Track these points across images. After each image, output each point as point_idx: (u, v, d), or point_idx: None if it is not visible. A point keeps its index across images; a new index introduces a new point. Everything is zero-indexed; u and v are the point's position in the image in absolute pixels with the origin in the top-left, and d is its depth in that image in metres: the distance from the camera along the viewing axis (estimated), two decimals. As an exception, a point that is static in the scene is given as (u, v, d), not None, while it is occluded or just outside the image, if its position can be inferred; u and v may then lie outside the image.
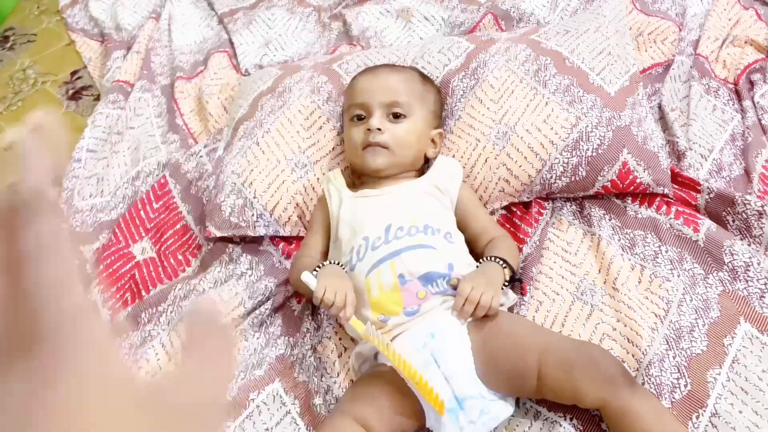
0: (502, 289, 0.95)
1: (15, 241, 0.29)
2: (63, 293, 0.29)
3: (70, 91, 1.64)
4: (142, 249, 1.22)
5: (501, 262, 0.97)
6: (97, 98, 1.60)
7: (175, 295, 1.10)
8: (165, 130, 1.47)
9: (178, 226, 1.25)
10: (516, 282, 1.01)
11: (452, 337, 0.89)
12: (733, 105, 1.25)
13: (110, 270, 1.18)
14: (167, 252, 1.22)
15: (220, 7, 1.78)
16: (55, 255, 0.30)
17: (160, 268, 1.19)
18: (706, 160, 1.15)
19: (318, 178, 1.17)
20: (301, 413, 0.95)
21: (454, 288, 0.94)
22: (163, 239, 1.23)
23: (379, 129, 1.05)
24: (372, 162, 1.06)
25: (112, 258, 1.20)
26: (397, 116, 1.07)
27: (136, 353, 1.04)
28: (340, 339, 1.03)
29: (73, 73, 1.70)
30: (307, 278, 0.93)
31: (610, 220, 1.08)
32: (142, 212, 1.27)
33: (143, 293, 1.15)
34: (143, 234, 1.25)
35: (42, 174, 0.30)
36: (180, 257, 1.21)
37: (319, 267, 0.98)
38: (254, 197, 1.16)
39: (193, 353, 0.33)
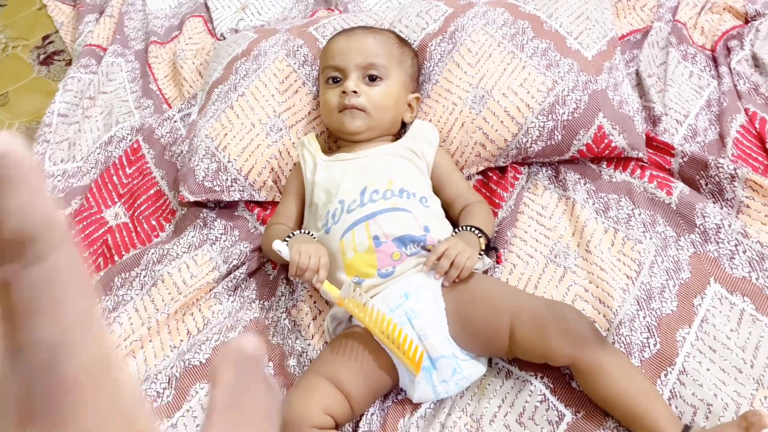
0: (479, 256, 0.95)
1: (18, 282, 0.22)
2: (76, 346, 0.23)
3: (42, 56, 1.61)
4: (115, 214, 1.21)
5: (476, 231, 0.97)
6: (69, 63, 1.57)
7: (148, 259, 1.09)
8: (139, 95, 1.44)
9: (151, 191, 1.23)
10: (491, 250, 1.01)
11: (426, 297, 0.89)
12: (709, 71, 1.25)
13: (82, 235, 1.16)
14: (141, 217, 1.20)
15: (196, -30, 1.74)
16: (72, 296, 0.23)
17: (134, 233, 1.18)
18: (681, 125, 1.15)
19: (293, 143, 1.15)
20: (274, 374, 0.95)
21: (429, 251, 0.94)
22: (136, 204, 1.22)
23: (355, 92, 1.04)
24: (349, 125, 1.05)
25: (85, 223, 1.18)
26: (373, 79, 1.06)
27: (108, 317, 1.03)
28: (314, 302, 1.02)
29: (45, 37, 1.66)
30: (279, 246, 0.93)
31: (585, 184, 1.09)
32: (114, 177, 1.26)
33: (116, 258, 1.14)
34: (116, 199, 1.23)
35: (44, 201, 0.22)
36: (154, 222, 1.20)
37: (289, 236, 0.98)
38: (228, 161, 1.14)
39: (235, 409, 0.27)
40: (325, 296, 0.94)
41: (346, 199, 0.99)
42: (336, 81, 1.08)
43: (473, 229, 0.96)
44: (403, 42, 1.14)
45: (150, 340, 1.00)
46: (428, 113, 1.13)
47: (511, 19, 1.18)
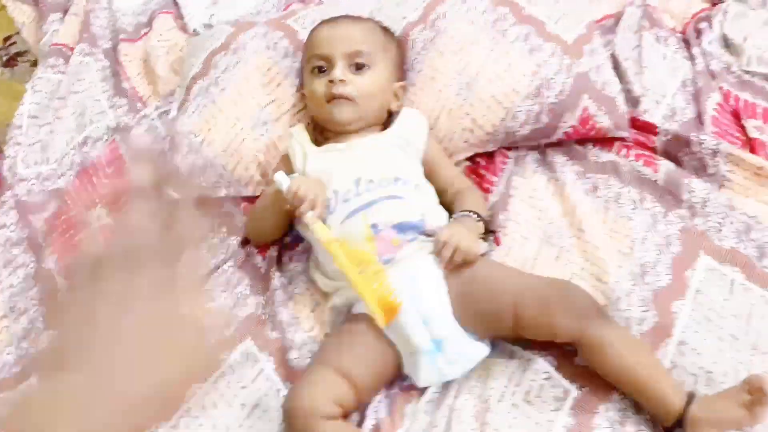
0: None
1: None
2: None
3: (5, 58, 1.55)
4: (97, 216, 1.17)
5: (475, 216, 0.97)
6: (34, 64, 1.51)
7: (136, 259, 1.06)
8: (111, 94, 1.40)
9: (133, 192, 1.20)
10: (489, 233, 1.01)
11: (429, 280, 0.89)
12: (682, 53, 1.28)
13: (64, 238, 1.12)
14: (123, 218, 1.17)
15: (162, -34, 1.70)
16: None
17: (117, 235, 1.14)
18: (660, 105, 1.18)
19: (280, 136, 1.14)
20: (276, 369, 0.93)
21: (428, 236, 0.94)
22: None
23: (343, 80, 1.03)
24: (338, 115, 1.04)
25: (65, 226, 1.14)
26: (359, 67, 1.05)
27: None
28: (312, 294, 1.01)
29: (6, 39, 1.60)
30: (281, 177, 0.93)
31: (572, 165, 1.10)
32: (93, 178, 1.22)
33: (101, 261, 1.10)
34: (96, 201, 1.19)
35: None
36: (137, 223, 1.16)
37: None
38: (213, 157, 1.12)
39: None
40: (315, 234, 0.91)
41: (340, 189, 0.98)
42: (322, 70, 1.07)
43: (471, 213, 0.97)
44: (386, 30, 1.14)
45: (142, 342, 0.97)
46: (415, 101, 1.13)
47: (491, 6, 1.19)
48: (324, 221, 0.94)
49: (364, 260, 0.88)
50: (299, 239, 1.09)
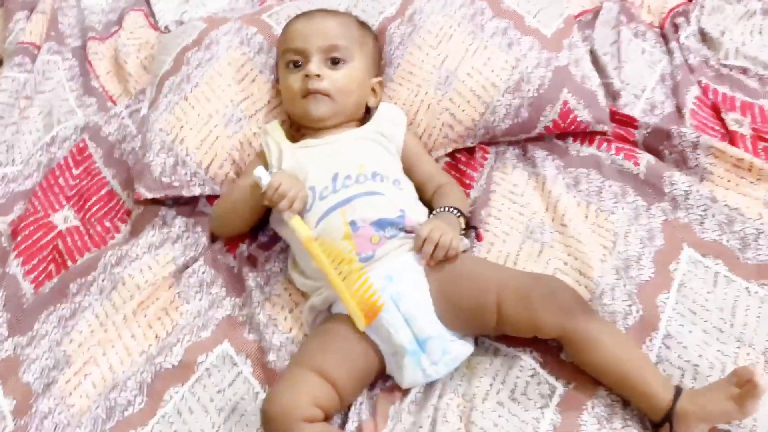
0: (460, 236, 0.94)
1: None
2: None
3: (-33, 57, 1.49)
4: (64, 218, 1.13)
5: (455, 212, 0.95)
6: (0, 63, 1.46)
7: (106, 262, 1.02)
8: (80, 93, 1.36)
9: (102, 192, 1.16)
10: (471, 229, 0.99)
11: (410, 279, 0.86)
12: (660, 47, 1.29)
13: (29, 241, 1.08)
14: (93, 219, 1.13)
15: (132, -36, 1.66)
16: None
17: (86, 237, 1.10)
18: (639, 99, 1.18)
19: (255, 133, 1.11)
20: (253, 372, 0.90)
21: (408, 233, 0.92)
22: (87, 206, 1.14)
23: (318, 75, 1.01)
24: (314, 110, 1.02)
25: (31, 229, 1.09)
26: (335, 62, 1.03)
27: (66, 326, 0.95)
28: (290, 294, 0.98)
29: (-31, 38, 1.55)
30: (260, 172, 0.91)
31: (553, 160, 1.09)
32: (60, 179, 1.17)
33: (69, 263, 1.06)
34: (64, 202, 1.15)
35: None
36: (108, 224, 1.12)
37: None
38: (186, 154, 1.09)
39: None
40: (295, 232, 0.89)
41: (317, 186, 0.95)
42: (297, 65, 1.04)
43: (451, 209, 0.95)
44: (363, 25, 1.12)
45: (113, 346, 0.93)
46: (393, 97, 1.11)
47: (468, 0, 1.17)
48: (302, 218, 0.91)
49: (344, 259, 0.86)
50: (275, 239, 1.06)
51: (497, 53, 1.10)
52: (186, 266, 1.02)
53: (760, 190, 0.99)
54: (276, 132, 1.06)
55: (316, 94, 1.01)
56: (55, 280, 1.03)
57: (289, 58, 1.05)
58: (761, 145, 1.06)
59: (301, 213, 0.92)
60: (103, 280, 1.00)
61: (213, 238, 1.07)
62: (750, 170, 1.00)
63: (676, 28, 1.31)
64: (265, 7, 1.31)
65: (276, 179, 0.89)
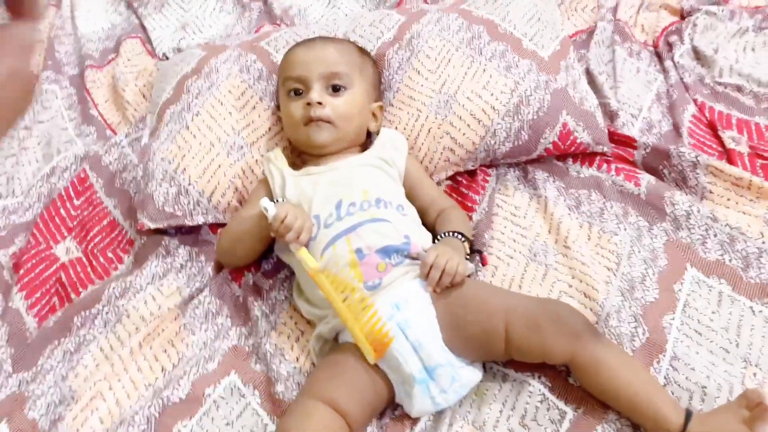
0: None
1: None
2: None
3: (-36, 87, 1.49)
4: (67, 249, 1.12)
5: (459, 237, 0.96)
6: (-3, 93, 1.45)
7: (110, 294, 1.02)
8: (78, 122, 1.36)
9: (104, 222, 1.16)
10: (475, 253, 1.00)
11: (417, 306, 0.86)
12: (655, 66, 1.30)
13: (32, 274, 1.07)
14: (95, 250, 1.12)
15: (128, -9, 1.66)
16: None
17: (89, 269, 1.10)
18: (636, 119, 1.19)
19: (257, 160, 1.11)
20: (262, 403, 0.90)
21: (414, 259, 0.92)
22: (89, 237, 1.14)
23: (320, 103, 1.01)
24: (316, 138, 1.02)
25: (33, 261, 1.09)
26: (336, 89, 1.04)
27: (71, 360, 0.95)
28: (296, 323, 0.98)
29: (-35, 67, 1.54)
30: (266, 203, 0.90)
31: (554, 182, 1.10)
32: (62, 210, 1.17)
33: (73, 296, 1.05)
34: (66, 233, 1.14)
35: None
36: (110, 255, 1.12)
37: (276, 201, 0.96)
38: (189, 183, 1.09)
39: None
40: (302, 264, 0.89)
41: (322, 214, 0.96)
42: (298, 93, 1.05)
43: (456, 234, 0.95)
44: (362, 51, 1.13)
45: (118, 379, 0.92)
46: (393, 121, 1.12)
47: (465, 24, 1.19)
48: (307, 248, 0.91)
49: (352, 290, 0.86)
50: (279, 266, 1.06)
51: (496, 76, 1.11)
52: (191, 297, 1.02)
53: (760, 208, 1.00)
54: (278, 160, 1.06)
55: (319, 122, 1.02)
56: (59, 313, 1.02)
57: (290, 86, 1.05)
58: (759, 162, 1.07)
59: (307, 242, 0.92)
60: (107, 313, 1.00)
61: (218, 267, 1.07)
62: (749, 188, 1.01)
63: (670, 46, 1.32)
64: (263, 34, 1.32)
65: (282, 211, 0.89)
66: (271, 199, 1.00)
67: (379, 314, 0.82)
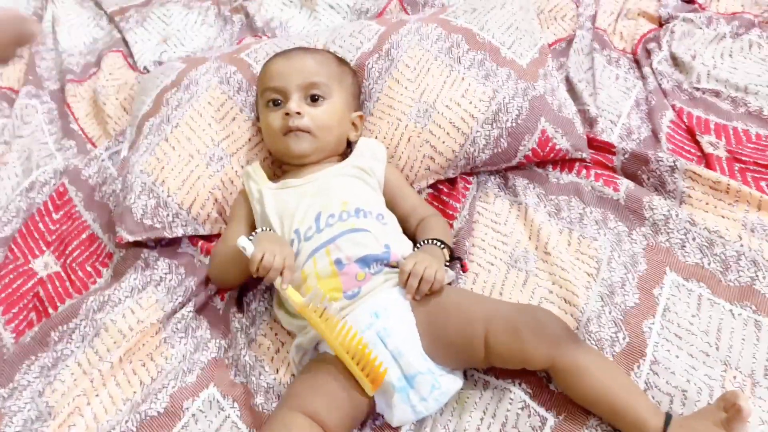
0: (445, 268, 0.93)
1: None
2: None
3: (-56, 103, 1.48)
4: (45, 264, 1.11)
5: (439, 244, 0.95)
6: (-24, 109, 1.45)
7: (88, 308, 1.01)
8: (59, 136, 1.35)
9: (83, 236, 1.15)
10: (455, 260, 0.99)
11: (396, 314, 0.86)
12: (633, 73, 1.31)
13: (9, 290, 1.06)
14: (74, 264, 1.11)
15: (109, 5, 1.66)
16: None
17: (68, 283, 1.09)
18: (615, 125, 1.20)
19: (237, 171, 1.11)
20: (241, 416, 0.89)
21: (394, 267, 0.91)
22: (67, 251, 1.13)
23: (299, 113, 1.01)
24: (295, 148, 1.02)
25: (11, 276, 1.08)
26: (315, 99, 1.04)
27: (48, 375, 0.93)
28: (276, 334, 0.97)
29: (-54, 83, 1.53)
30: (244, 243, 0.88)
31: (534, 188, 1.10)
32: (40, 224, 1.16)
33: (50, 311, 1.04)
34: (44, 248, 1.14)
35: None
36: (89, 269, 1.11)
37: (254, 234, 0.93)
38: (168, 195, 1.08)
39: None
40: (288, 301, 0.88)
41: (301, 228, 0.95)
42: (277, 104, 1.05)
43: (435, 242, 0.95)
44: (341, 61, 1.13)
45: (97, 394, 0.91)
46: (373, 131, 1.12)
47: (444, 34, 1.19)
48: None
49: (339, 328, 0.84)
50: (258, 278, 1.05)
51: (474, 85, 1.12)
52: (174, 312, 1.00)
53: (738, 211, 1.00)
54: (257, 174, 1.06)
55: (297, 132, 1.02)
56: (36, 328, 1.01)
57: (269, 96, 1.05)
58: (737, 166, 1.08)
59: (293, 280, 0.89)
60: (84, 327, 0.99)
61: (206, 280, 1.05)
62: (727, 192, 1.02)
63: (648, 53, 1.33)
64: (243, 45, 1.32)
65: (258, 251, 0.86)
66: (250, 231, 1.00)
67: (370, 347, 0.81)
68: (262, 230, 0.95)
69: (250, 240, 0.90)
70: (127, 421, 0.87)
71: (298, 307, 0.84)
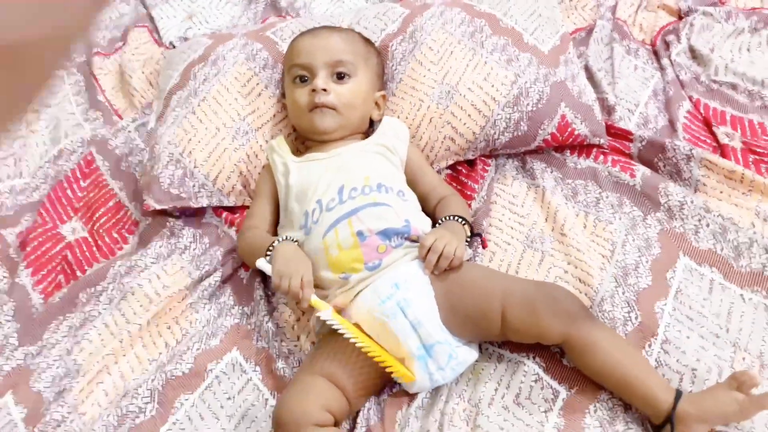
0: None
1: None
2: None
3: (-28, 72, 1.51)
4: (72, 229, 1.15)
5: (460, 220, 0.98)
6: (5, 78, 1.48)
7: (115, 272, 1.04)
8: (86, 107, 1.38)
9: (110, 204, 1.18)
10: (476, 236, 1.02)
11: (416, 286, 0.89)
12: (652, 64, 1.33)
13: (38, 252, 1.09)
14: (101, 230, 1.14)
15: (135, -19, 1.69)
16: None
17: (94, 248, 1.12)
18: (633, 113, 1.22)
19: (261, 146, 1.13)
20: (263, 379, 0.92)
21: (414, 241, 0.94)
22: (95, 218, 1.16)
23: (325, 89, 1.04)
24: (320, 124, 1.04)
25: (40, 240, 1.11)
26: (341, 76, 1.06)
27: (75, 335, 0.97)
28: (296, 303, 1.00)
29: (-27, 52, 1.56)
30: (263, 265, 0.91)
31: (551, 172, 1.12)
32: (68, 191, 1.19)
33: (78, 274, 1.08)
34: (72, 214, 1.17)
35: None
36: (115, 235, 1.14)
37: (271, 248, 0.94)
38: (195, 167, 1.11)
39: None
40: (315, 312, 0.91)
41: (324, 199, 0.98)
42: (303, 80, 1.07)
43: (456, 218, 0.97)
44: (366, 41, 1.15)
45: (124, 354, 0.95)
46: (395, 111, 1.14)
47: (468, 18, 1.21)
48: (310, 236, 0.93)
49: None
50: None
51: (497, 69, 1.14)
52: (201, 279, 1.03)
53: (751, 200, 1.02)
54: (281, 147, 1.09)
55: (323, 108, 1.04)
56: (64, 290, 1.04)
57: (296, 73, 1.07)
58: (751, 157, 1.10)
59: (315, 270, 0.93)
60: (112, 290, 1.02)
61: (230, 250, 1.08)
62: (741, 181, 1.04)
63: (666, 45, 1.35)
64: (268, 24, 1.34)
65: (276, 275, 0.89)
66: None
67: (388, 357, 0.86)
68: (280, 240, 0.95)
69: (268, 257, 0.93)
70: (153, 380, 0.90)
71: (328, 320, 0.86)
